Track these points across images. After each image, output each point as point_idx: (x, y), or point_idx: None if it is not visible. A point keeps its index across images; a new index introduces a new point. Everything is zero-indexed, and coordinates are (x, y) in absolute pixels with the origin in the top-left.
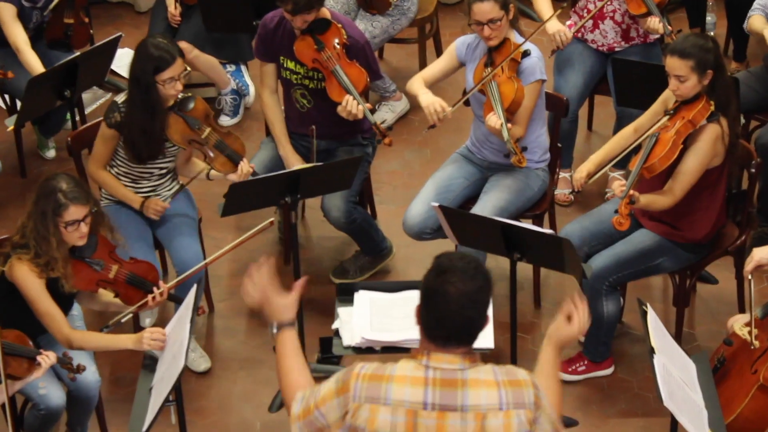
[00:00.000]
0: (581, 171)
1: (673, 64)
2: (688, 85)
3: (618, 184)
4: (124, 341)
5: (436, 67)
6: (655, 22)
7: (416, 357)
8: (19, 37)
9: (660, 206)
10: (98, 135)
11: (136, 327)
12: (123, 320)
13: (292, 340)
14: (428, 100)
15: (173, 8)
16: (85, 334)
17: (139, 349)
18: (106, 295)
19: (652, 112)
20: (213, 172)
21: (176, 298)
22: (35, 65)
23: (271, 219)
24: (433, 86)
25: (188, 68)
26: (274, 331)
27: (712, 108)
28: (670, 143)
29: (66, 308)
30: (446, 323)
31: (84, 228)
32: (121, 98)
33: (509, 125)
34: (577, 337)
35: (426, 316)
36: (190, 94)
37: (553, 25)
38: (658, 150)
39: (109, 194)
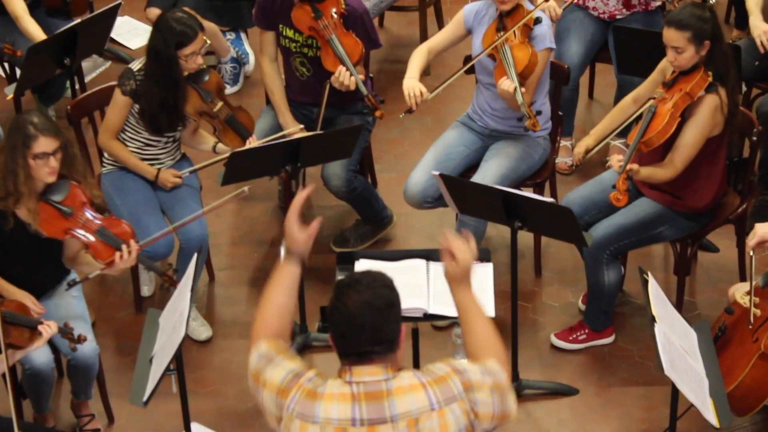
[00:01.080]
0: (580, 146)
1: (670, 36)
2: (685, 56)
3: (616, 159)
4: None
5: (443, 35)
6: None
7: (341, 374)
8: (17, 4)
9: (661, 178)
10: (111, 102)
11: (136, 298)
12: (90, 276)
13: (289, 275)
14: (409, 84)
15: None
16: None
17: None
18: (86, 256)
19: (650, 81)
20: (220, 145)
21: (146, 262)
22: (35, 32)
23: (244, 188)
24: (439, 55)
25: (208, 41)
26: (282, 253)
27: (710, 79)
28: (667, 116)
29: (50, 271)
30: (351, 336)
31: (53, 162)
32: (136, 66)
33: (522, 89)
34: (470, 262)
35: (334, 336)
36: (204, 66)
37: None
38: (655, 123)
39: (115, 161)
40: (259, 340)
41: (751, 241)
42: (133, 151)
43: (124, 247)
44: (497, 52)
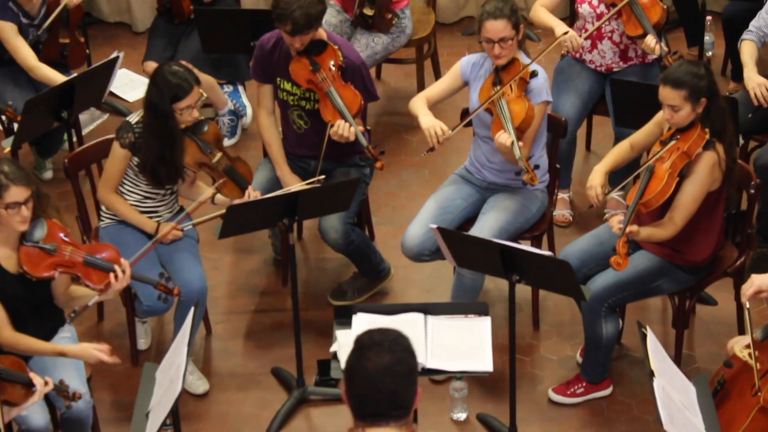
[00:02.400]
0: (595, 187)
1: (667, 94)
2: (682, 114)
3: (616, 220)
4: (64, 348)
5: (440, 86)
6: (651, 43)
7: None
8: (26, 54)
9: (661, 238)
10: (110, 156)
11: (132, 351)
12: (90, 303)
13: None
14: (428, 122)
15: None
16: (26, 337)
17: (76, 355)
18: (78, 289)
19: (646, 131)
20: (219, 196)
21: (143, 278)
22: (55, 76)
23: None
24: (436, 106)
25: (204, 94)
26: None
27: (708, 136)
28: (665, 177)
29: (45, 313)
30: (369, 401)
31: (25, 212)
32: (134, 118)
33: (520, 143)
34: None
35: (350, 396)
36: (203, 117)
37: (563, 30)
38: (654, 185)
39: (113, 215)
40: None
41: (748, 291)
42: (131, 204)
43: (116, 267)
44: (494, 106)
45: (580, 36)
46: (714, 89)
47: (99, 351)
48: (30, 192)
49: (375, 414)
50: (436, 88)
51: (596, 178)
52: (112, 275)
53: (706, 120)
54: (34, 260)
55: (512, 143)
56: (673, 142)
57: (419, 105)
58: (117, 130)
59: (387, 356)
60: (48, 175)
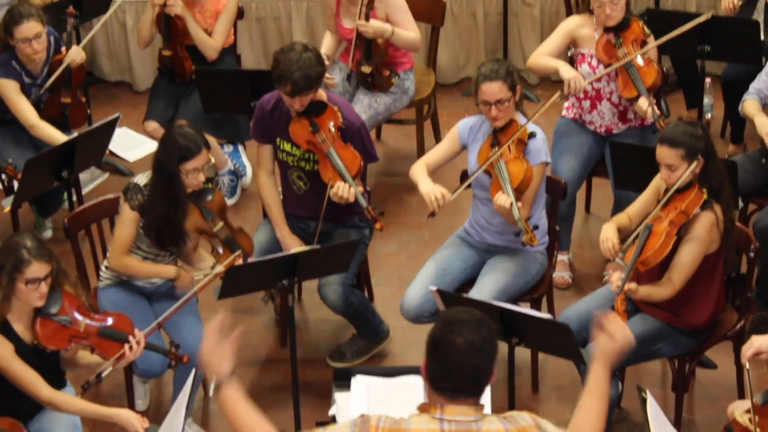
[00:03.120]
0: (611, 238)
1: (664, 154)
2: (679, 174)
3: (616, 276)
4: (108, 411)
5: (438, 151)
6: (643, 105)
7: (429, 410)
8: (29, 113)
9: (659, 298)
10: (120, 220)
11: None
12: (104, 375)
13: (233, 398)
14: (428, 187)
15: None
16: (68, 397)
17: (120, 420)
18: (86, 356)
19: (643, 200)
20: (219, 266)
21: (155, 347)
22: (56, 135)
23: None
24: (436, 171)
25: (212, 159)
26: (212, 390)
27: (705, 196)
28: (663, 235)
29: (51, 377)
30: (454, 374)
31: (44, 288)
32: (142, 180)
33: (519, 204)
34: (625, 344)
35: (433, 368)
36: (210, 186)
37: (568, 71)
38: (652, 243)
39: (121, 274)
40: None
41: (747, 351)
42: (136, 253)
43: (131, 338)
44: (492, 167)
45: (579, 98)
46: (711, 150)
47: (138, 422)
48: (50, 268)
49: (455, 389)
50: (434, 154)
51: (609, 231)
52: (126, 346)
53: (704, 180)
54: (49, 333)
55: (511, 204)
56: (670, 202)
57: (419, 171)
58: (124, 192)
59: (476, 334)
60: (47, 234)
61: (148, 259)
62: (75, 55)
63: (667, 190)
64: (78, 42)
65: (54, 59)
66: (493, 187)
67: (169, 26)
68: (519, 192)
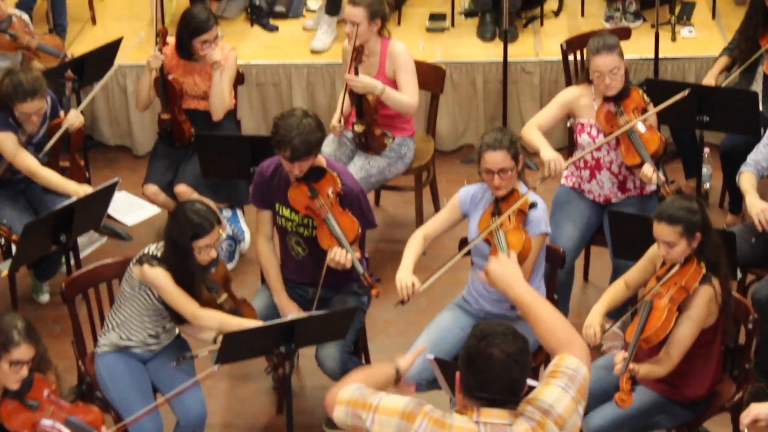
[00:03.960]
0: (593, 326)
1: (662, 231)
2: (678, 250)
3: (620, 357)
4: None
5: (438, 220)
6: (648, 172)
7: (465, 412)
8: (29, 161)
9: (659, 375)
10: (163, 289)
11: None
12: None
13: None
14: (401, 276)
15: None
16: None
17: None
18: None
19: (639, 268)
20: (221, 337)
21: None
22: (57, 180)
23: (213, 367)
24: (435, 240)
25: (223, 234)
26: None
27: (704, 270)
28: (665, 312)
29: None
30: (490, 385)
31: (24, 372)
32: (154, 251)
33: None
34: (506, 260)
35: (469, 379)
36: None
37: (548, 153)
38: (654, 320)
39: (111, 341)
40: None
41: (746, 419)
42: (137, 329)
43: None
44: (492, 237)
45: (578, 167)
46: (707, 223)
47: None
48: (35, 352)
49: (492, 400)
50: (434, 224)
51: (594, 317)
52: None
53: (701, 254)
54: (14, 415)
55: None
56: (670, 277)
57: (408, 254)
58: (139, 261)
59: (512, 345)
60: (45, 298)
61: (151, 335)
62: (73, 119)
63: (664, 264)
64: (76, 105)
65: (52, 123)
66: (491, 257)
67: (167, 89)
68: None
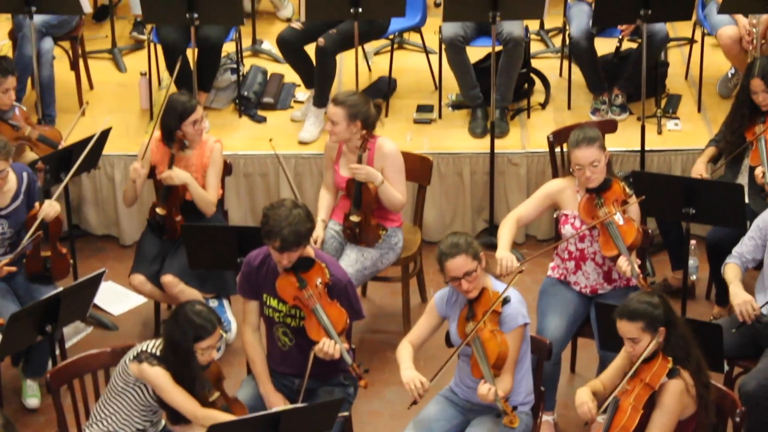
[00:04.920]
0: (587, 402)
1: (624, 328)
2: (642, 346)
3: None
4: None
5: (421, 328)
6: (623, 265)
7: None
8: None
9: None
10: (162, 387)
11: None
12: None
13: None
14: (408, 376)
15: (139, 164)
16: None
17: None
18: None
19: (615, 366)
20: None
21: None
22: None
23: None
24: (421, 347)
25: (224, 335)
26: None
27: (670, 364)
28: (629, 410)
29: None
30: None
31: None
32: (152, 349)
33: (500, 394)
34: None
35: None
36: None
37: (501, 251)
38: (618, 419)
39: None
40: None
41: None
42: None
43: None
44: (470, 343)
45: (563, 258)
46: (671, 317)
47: None
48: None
49: None
50: (417, 330)
51: (584, 395)
52: None
53: (668, 349)
54: None
55: (494, 396)
56: (637, 374)
57: (403, 354)
58: (137, 358)
59: None
60: (33, 402)
61: (139, 430)
62: (48, 209)
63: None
64: (49, 195)
65: (29, 215)
66: (472, 366)
67: (170, 189)
68: (497, 368)
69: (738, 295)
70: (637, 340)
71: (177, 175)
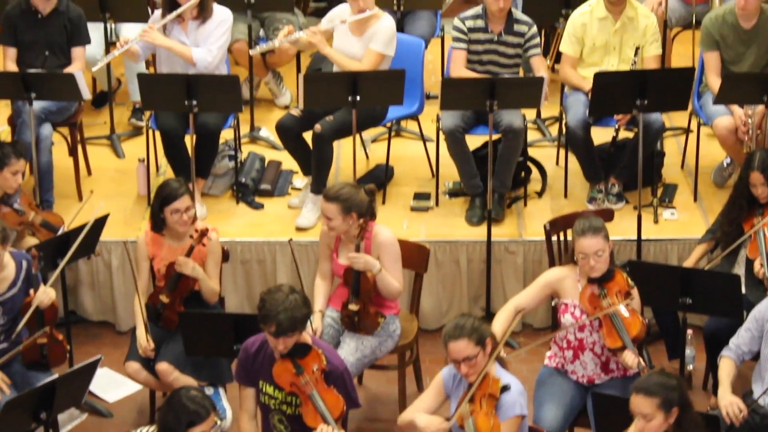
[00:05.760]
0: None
1: (638, 403)
2: (654, 424)
3: None
4: None
5: (425, 402)
6: (629, 359)
7: None
8: None
9: None
10: None
11: None
12: None
13: None
14: (425, 420)
15: (145, 341)
16: None
17: None
18: None
19: None
20: None
21: None
22: None
23: None
24: None
25: (218, 422)
26: None
27: None
28: None
29: None
30: None
31: None
32: None
33: None
34: None
35: None
36: None
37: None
38: None
39: None
40: None
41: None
42: None
43: None
44: (464, 423)
45: (561, 347)
46: (686, 401)
47: None
48: None
49: None
50: (421, 404)
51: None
52: None
53: (679, 431)
54: None
55: None
56: None
57: (409, 411)
58: None
59: None
60: None
61: None
62: (42, 296)
63: None
64: (45, 282)
65: (24, 302)
66: None
67: (179, 278)
68: None
69: (724, 397)
70: (649, 417)
71: (194, 267)
